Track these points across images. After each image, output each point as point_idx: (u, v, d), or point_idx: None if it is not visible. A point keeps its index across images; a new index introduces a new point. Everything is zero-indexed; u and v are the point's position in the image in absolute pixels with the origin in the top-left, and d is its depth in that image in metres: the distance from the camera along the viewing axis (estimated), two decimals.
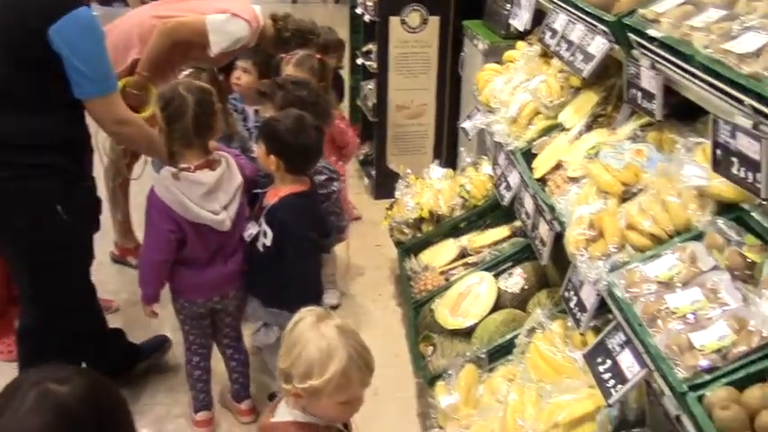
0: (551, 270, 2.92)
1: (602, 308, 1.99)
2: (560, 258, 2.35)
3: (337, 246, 3.73)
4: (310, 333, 1.75)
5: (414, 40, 4.72)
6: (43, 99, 2.45)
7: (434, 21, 4.69)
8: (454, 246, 3.47)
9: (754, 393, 1.41)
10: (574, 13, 2.62)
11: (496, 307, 2.93)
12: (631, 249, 1.93)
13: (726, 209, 1.82)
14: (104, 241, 3.81)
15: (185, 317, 2.80)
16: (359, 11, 5.25)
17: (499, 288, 2.98)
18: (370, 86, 5.21)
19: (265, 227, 2.65)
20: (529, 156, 2.77)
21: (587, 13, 2.45)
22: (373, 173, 5.17)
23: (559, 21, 2.76)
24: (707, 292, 1.66)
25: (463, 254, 3.40)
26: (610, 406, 1.85)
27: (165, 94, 2.58)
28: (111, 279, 3.97)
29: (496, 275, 3.07)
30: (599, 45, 2.39)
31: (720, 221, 1.76)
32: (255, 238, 2.70)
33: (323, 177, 3.01)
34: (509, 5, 3.74)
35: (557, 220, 2.31)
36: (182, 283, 2.73)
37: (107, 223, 3.80)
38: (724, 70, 1.65)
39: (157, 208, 2.57)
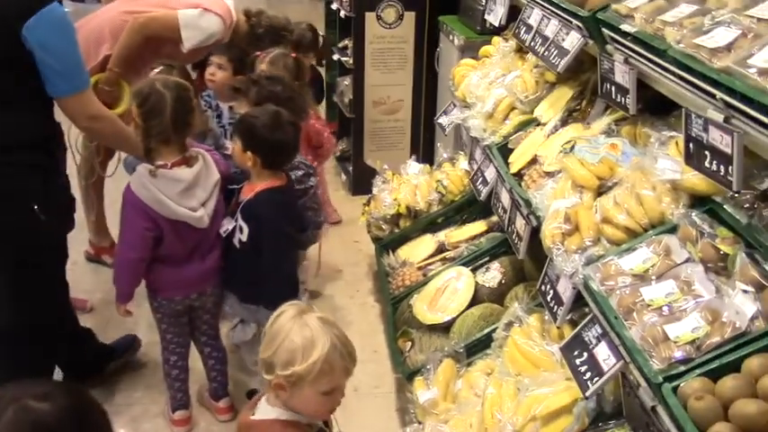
0: (528, 264, 2.94)
1: (578, 301, 2.01)
2: (537, 252, 2.36)
3: (310, 248, 3.70)
4: (293, 323, 1.75)
5: (390, 36, 4.72)
6: (17, 97, 2.42)
7: (410, 16, 4.69)
8: (432, 241, 3.48)
9: (728, 384, 1.43)
10: (548, 9, 2.63)
11: (474, 301, 2.94)
12: (607, 243, 1.95)
13: (699, 202, 1.84)
14: (78, 240, 3.76)
15: (163, 315, 2.78)
16: (334, 6, 5.24)
17: (477, 283, 3.00)
18: (346, 82, 5.20)
19: (241, 222, 2.64)
20: (505, 151, 2.78)
21: (562, 9, 2.46)
22: (350, 169, 5.16)
23: (534, 16, 2.78)
24: (681, 285, 1.69)
25: (441, 249, 3.42)
26: (587, 398, 1.87)
27: (142, 91, 2.54)
28: (85, 278, 3.93)
29: (474, 270, 3.08)
30: (573, 40, 2.41)
31: (694, 214, 1.79)
32: (231, 233, 2.68)
33: (300, 173, 3.01)
34: (484, 1, 3.75)
35: (533, 214, 2.32)
36: (160, 281, 2.70)
37: (81, 222, 3.76)
38: (696, 65, 1.67)
39: (134, 205, 2.54)
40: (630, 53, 2.05)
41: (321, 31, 4.88)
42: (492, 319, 2.80)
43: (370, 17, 4.66)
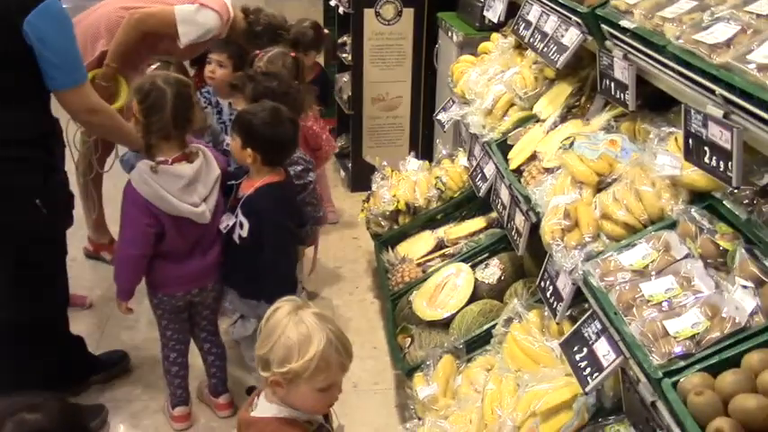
0: (527, 260, 2.95)
1: (577, 297, 2.01)
2: (536, 249, 2.37)
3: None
4: (288, 319, 1.74)
5: (388, 32, 4.72)
6: (16, 94, 2.42)
7: (409, 13, 4.68)
8: (431, 237, 3.49)
9: (728, 379, 1.43)
10: (547, 5, 2.63)
11: (473, 298, 2.94)
12: (606, 239, 1.95)
13: (698, 198, 1.84)
14: (77, 237, 3.76)
15: (163, 311, 2.78)
16: (333, 3, 5.23)
17: (476, 279, 3.00)
18: (345, 79, 5.19)
19: (242, 218, 2.64)
20: (504, 147, 2.78)
21: (561, 5, 2.46)
22: (349, 165, 5.16)
23: (533, 12, 2.78)
24: (680, 280, 1.69)
25: (440, 245, 3.42)
26: (586, 394, 1.87)
27: (143, 87, 2.54)
28: (84, 275, 3.93)
29: (473, 266, 3.08)
30: (572, 36, 2.41)
31: (693, 210, 1.79)
32: (231, 229, 2.68)
33: (299, 168, 3.01)
34: None
35: (532, 210, 2.32)
36: (161, 277, 2.70)
37: (80, 219, 3.75)
38: (695, 60, 1.67)
39: (135, 202, 2.54)
40: (630, 49, 2.05)
41: None
42: (491, 316, 2.80)
43: (368, 14, 4.65)
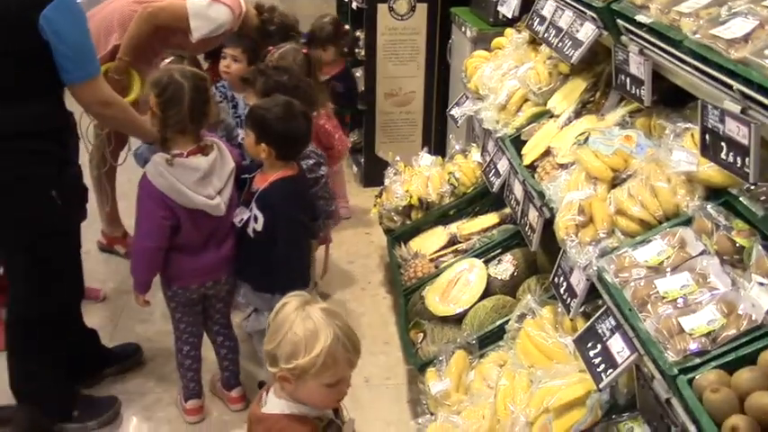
0: (541, 256, 2.94)
1: (591, 293, 2.00)
2: (549, 244, 2.36)
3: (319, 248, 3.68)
4: (296, 315, 1.74)
5: (402, 28, 4.71)
6: (31, 88, 2.45)
7: (422, 8, 4.68)
8: (444, 233, 3.48)
9: (744, 376, 1.43)
10: (562, 0, 2.62)
11: (486, 293, 2.93)
12: (621, 235, 1.94)
13: (714, 194, 1.83)
14: (91, 230, 3.78)
15: (177, 304, 2.80)
16: None
17: (489, 275, 2.99)
18: (358, 74, 5.19)
19: (256, 211, 2.65)
20: (518, 142, 2.77)
21: (576, 0, 2.44)
22: (362, 161, 5.16)
23: (548, 7, 2.76)
24: (696, 277, 1.68)
25: (453, 241, 3.41)
26: (600, 390, 1.86)
27: (160, 81, 2.55)
28: (98, 268, 3.95)
29: (486, 262, 3.08)
30: (587, 31, 2.39)
31: (709, 206, 1.78)
32: (245, 223, 2.69)
33: (311, 162, 3.01)
34: None
35: (546, 206, 2.31)
36: (176, 269, 2.72)
37: (94, 212, 3.78)
38: (712, 56, 1.65)
39: (150, 194, 2.56)
40: (645, 44, 2.03)
41: None
42: (504, 311, 2.79)
43: (382, 9, 4.65)
